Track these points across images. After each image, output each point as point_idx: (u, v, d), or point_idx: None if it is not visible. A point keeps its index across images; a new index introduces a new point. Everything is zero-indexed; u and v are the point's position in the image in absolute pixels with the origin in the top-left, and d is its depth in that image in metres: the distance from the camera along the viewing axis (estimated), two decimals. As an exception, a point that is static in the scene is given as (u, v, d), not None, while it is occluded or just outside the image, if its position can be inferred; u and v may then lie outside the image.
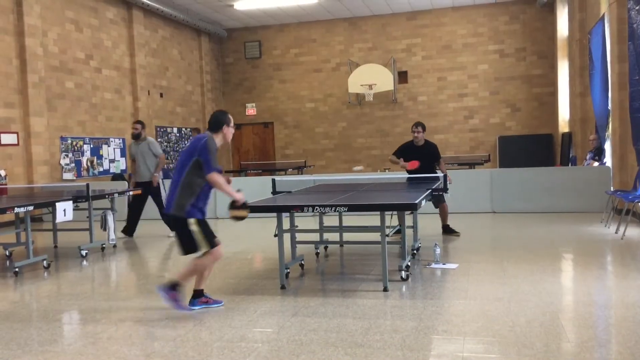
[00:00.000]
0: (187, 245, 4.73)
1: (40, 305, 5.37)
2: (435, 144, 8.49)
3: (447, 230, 8.34)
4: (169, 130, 16.89)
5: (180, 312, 4.72)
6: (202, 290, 4.90)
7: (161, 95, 16.66)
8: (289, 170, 15.75)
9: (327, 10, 17.40)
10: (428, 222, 8.74)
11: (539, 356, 3.55)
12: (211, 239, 4.75)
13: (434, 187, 6.60)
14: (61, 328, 4.62)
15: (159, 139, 16.34)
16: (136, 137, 9.23)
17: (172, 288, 4.74)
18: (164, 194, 9.14)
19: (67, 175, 12.97)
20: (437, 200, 7.89)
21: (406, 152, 8.18)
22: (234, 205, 4.79)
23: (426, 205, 6.25)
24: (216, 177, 4.67)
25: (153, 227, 10.14)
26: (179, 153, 4.67)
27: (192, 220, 4.68)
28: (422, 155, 8.05)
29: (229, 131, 4.95)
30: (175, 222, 4.78)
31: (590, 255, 6.64)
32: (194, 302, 4.85)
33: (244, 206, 4.83)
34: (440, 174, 7.51)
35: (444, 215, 8.38)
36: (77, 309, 5.13)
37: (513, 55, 17.33)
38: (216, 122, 4.90)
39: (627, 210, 7.84)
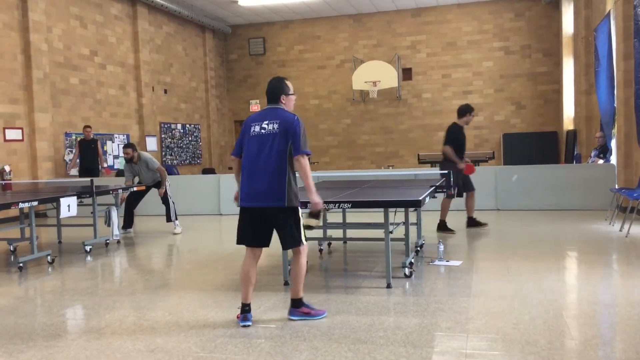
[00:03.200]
0: (295, 238, 4.25)
1: (45, 300, 5.39)
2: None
3: (472, 223, 8.59)
4: (172, 126, 16.91)
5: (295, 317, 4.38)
6: (302, 298, 4.39)
7: (165, 91, 16.67)
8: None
9: (332, 7, 17.37)
10: (432, 219, 8.72)
11: (543, 354, 3.54)
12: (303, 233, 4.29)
13: (437, 185, 6.59)
14: (65, 323, 4.63)
15: (163, 135, 16.37)
16: (129, 160, 9.15)
17: (298, 305, 4.35)
18: (172, 206, 9.20)
19: (72, 171, 12.99)
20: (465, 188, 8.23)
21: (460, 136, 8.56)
22: (311, 213, 4.29)
23: (429, 202, 6.23)
24: (306, 162, 4.15)
25: (156, 224, 10.17)
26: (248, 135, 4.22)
27: (299, 209, 4.26)
28: None
29: (290, 100, 4.32)
30: (284, 213, 4.20)
31: (594, 253, 6.61)
32: (294, 312, 4.37)
33: (315, 215, 4.29)
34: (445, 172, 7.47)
35: (469, 206, 8.64)
36: (81, 304, 5.14)
37: (518, 52, 17.27)
38: (274, 93, 4.27)
39: (632, 208, 7.82)
